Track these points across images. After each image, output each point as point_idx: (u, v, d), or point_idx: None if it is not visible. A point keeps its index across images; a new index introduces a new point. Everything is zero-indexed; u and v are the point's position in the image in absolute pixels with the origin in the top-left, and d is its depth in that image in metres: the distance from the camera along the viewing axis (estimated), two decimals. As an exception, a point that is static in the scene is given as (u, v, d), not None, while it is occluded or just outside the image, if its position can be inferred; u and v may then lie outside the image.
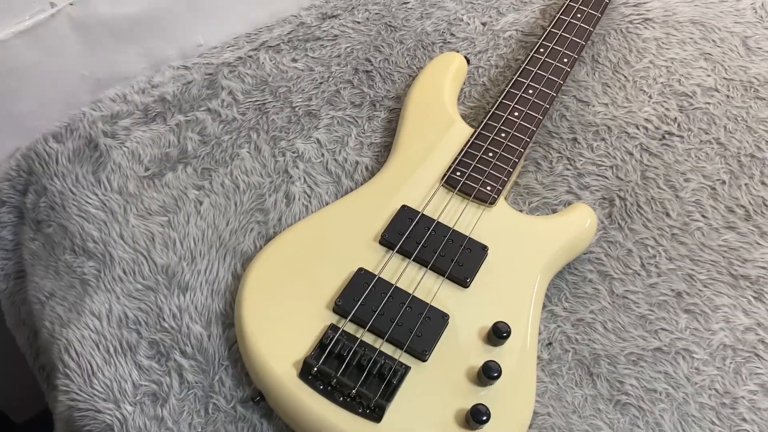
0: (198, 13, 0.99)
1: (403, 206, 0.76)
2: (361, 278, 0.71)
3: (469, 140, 0.82)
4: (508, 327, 0.67)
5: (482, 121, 0.83)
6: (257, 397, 0.67)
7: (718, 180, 0.87)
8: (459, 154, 0.80)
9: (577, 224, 0.78)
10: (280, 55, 0.97)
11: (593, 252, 0.81)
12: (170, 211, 0.81)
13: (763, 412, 0.71)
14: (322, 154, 0.87)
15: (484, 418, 0.63)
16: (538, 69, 0.88)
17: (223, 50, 0.98)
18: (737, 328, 0.76)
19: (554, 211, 0.83)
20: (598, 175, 0.87)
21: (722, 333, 0.75)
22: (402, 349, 0.67)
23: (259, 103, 0.91)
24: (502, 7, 1.04)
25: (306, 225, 0.76)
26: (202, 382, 0.70)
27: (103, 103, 0.91)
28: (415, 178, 0.79)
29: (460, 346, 0.68)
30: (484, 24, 1.02)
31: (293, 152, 0.87)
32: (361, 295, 0.69)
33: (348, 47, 0.98)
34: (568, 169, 0.87)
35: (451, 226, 0.75)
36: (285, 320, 0.69)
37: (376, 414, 0.63)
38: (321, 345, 0.66)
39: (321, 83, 0.94)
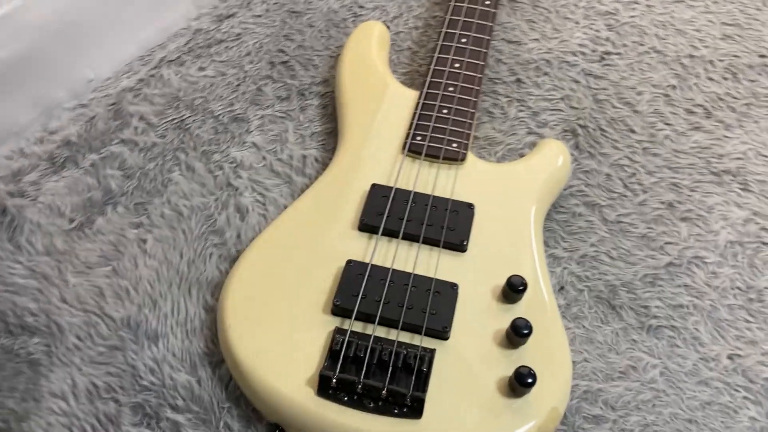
0: (80, 46, 0.88)
1: (374, 185, 0.69)
2: (353, 270, 0.63)
3: (418, 103, 0.76)
4: (523, 278, 0.62)
5: (425, 81, 0.77)
6: (274, 431, 0.58)
7: (668, 86, 0.85)
8: (413, 119, 0.74)
9: (551, 158, 0.73)
10: (184, 67, 0.87)
11: (573, 185, 0.76)
12: (112, 258, 0.70)
13: (790, 296, 0.68)
14: (263, 157, 0.79)
15: (530, 380, 0.56)
16: (464, 17, 0.83)
17: (118, 78, 0.88)
18: (737, 222, 0.73)
19: (522, 155, 0.78)
20: (553, 110, 0.83)
21: (725, 231, 0.73)
22: (420, 333, 0.60)
23: (176, 121, 0.82)
24: (402, -31, 0.98)
25: (273, 232, 0.68)
26: (206, 434, 0.60)
27: (-2, 164, 0.79)
28: (375, 154, 0.73)
29: (478, 314, 0.62)
30: (389, -11, 0.96)
31: (231, 162, 0.78)
32: (359, 289, 0.62)
33: (256, 43, 0.90)
34: (521, 111, 0.83)
35: (430, 193, 0.68)
36: (281, 339, 0.60)
37: (415, 409, 0.56)
38: (332, 353, 0.58)
39: (238, 85, 0.86)
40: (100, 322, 0.66)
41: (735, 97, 0.84)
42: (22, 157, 0.79)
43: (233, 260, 0.70)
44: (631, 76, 0.86)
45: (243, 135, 0.81)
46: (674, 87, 0.85)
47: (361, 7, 0.94)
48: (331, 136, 0.80)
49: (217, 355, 0.64)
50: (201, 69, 0.87)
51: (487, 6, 0.84)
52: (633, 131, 0.81)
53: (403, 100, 0.78)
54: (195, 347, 0.65)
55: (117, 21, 0.91)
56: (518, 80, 0.85)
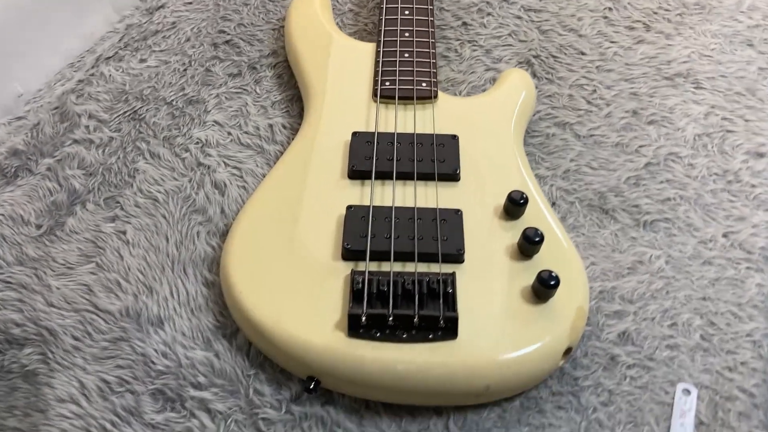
0: (4, 63, 0.83)
1: (354, 133, 0.68)
2: (356, 214, 0.62)
3: (378, 51, 0.75)
4: (522, 192, 0.62)
5: (380, 30, 0.77)
6: (310, 384, 0.56)
7: (604, 9, 0.88)
8: (378, 67, 0.74)
9: (518, 84, 0.75)
10: (124, 62, 0.84)
11: (540, 110, 0.78)
12: (93, 255, 0.66)
13: (763, 172, 0.72)
14: (228, 133, 0.76)
15: (553, 282, 0.57)
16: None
17: (51, 87, 0.83)
18: (699, 117, 0.77)
19: (486, 90, 0.79)
20: (504, 45, 0.84)
21: (690, 127, 0.76)
22: (437, 260, 0.59)
23: (128, 113, 0.78)
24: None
25: (262, 195, 0.65)
26: (237, 404, 0.57)
27: (-59, 186, 0.73)
28: (346, 108, 0.72)
29: (486, 234, 0.62)
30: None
31: (196, 143, 0.75)
32: (366, 230, 0.61)
33: (193, 28, 0.88)
34: (475, 51, 0.84)
35: (412, 131, 0.68)
36: (296, 293, 0.58)
37: (449, 329, 0.55)
38: (355, 293, 0.57)
39: (185, 70, 0.83)
40: (96, 317, 0.62)
41: (667, 10, 0.88)
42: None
43: (223, 234, 0.68)
44: (568, 5, 0.89)
45: (202, 115, 0.78)
46: (610, 9, 0.88)
47: (292, -20, 0.93)
48: (292, 103, 0.79)
49: (229, 327, 0.61)
50: (142, 61, 0.84)
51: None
52: (583, 53, 0.83)
53: (360, 53, 0.77)
54: (204, 323, 0.62)
55: (39, 33, 0.86)
56: (464, 23, 0.87)
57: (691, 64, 0.82)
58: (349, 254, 0.60)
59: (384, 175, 0.65)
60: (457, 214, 0.62)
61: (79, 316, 0.62)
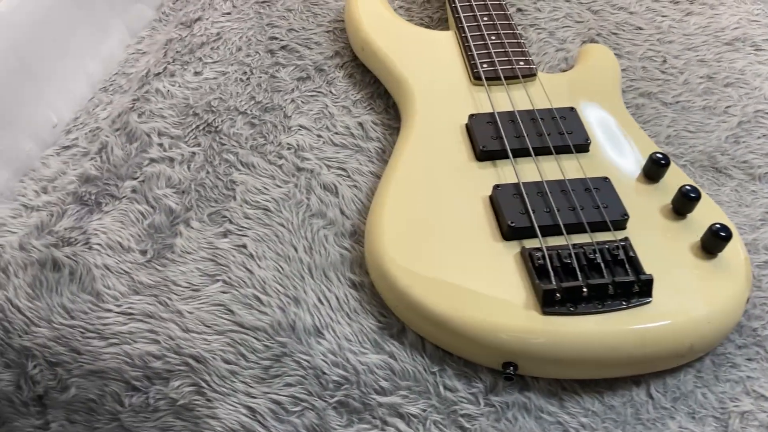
0: (34, 91, 0.76)
1: (472, 116, 0.66)
2: (506, 192, 0.59)
3: (464, 36, 0.74)
4: (662, 153, 0.62)
5: (458, 18, 0.76)
6: (507, 369, 0.53)
7: (645, -14, 0.90)
8: (470, 52, 0.72)
9: (606, 56, 0.76)
10: (177, 77, 0.78)
11: (623, 84, 0.78)
12: (217, 273, 0.60)
13: None
14: (319, 135, 0.72)
15: (725, 233, 0.56)
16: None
17: (92, 113, 0.77)
18: (770, 75, 0.79)
19: (563, 70, 0.79)
20: (564, 27, 0.85)
21: (765, 84, 0.78)
22: (607, 228, 0.58)
23: (202, 126, 0.73)
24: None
25: (394, 191, 0.61)
26: (430, 404, 0.53)
27: (7, 225, 0.65)
28: (448, 95, 0.69)
29: (636, 197, 0.61)
30: (348, -37, 0.94)
31: (288, 149, 0.71)
32: (525, 206, 0.58)
33: (241, 37, 0.83)
34: (539, 33, 0.84)
35: (533, 107, 0.67)
36: (468, 280, 0.55)
37: (644, 292, 0.54)
38: (539, 269, 0.54)
39: (249, 78, 0.78)
40: (247, 337, 0.56)
41: (703, -18, 0.91)
42: (33, 210, 0.66)
43: (351, 235, 0.63)
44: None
45: (284, 121, 0.74)
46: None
47: (328, -19, 0.90)
48: (374, 99, 0.76)
49: (394, 326, 0.57)
50: (197, 74, 0.79)
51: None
52: (641, 28, 0.85)
53: (441, 40, 0.76)
54: (366, 326, 0.57)
55: (62, 60, 0.80)
56: (519, 10, 0.87)
57: (743, 29, 0.85)
58: (514, 233, 0.57)
59: (519, 152, 0.63)
60: (606, 181, 0.61)
61: (225, 338, 0.56)
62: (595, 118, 0.67)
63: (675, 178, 0.62)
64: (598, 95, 0.70)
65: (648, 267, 0.55)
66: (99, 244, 0.62)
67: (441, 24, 0.85)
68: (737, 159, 0.71)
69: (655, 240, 0.58)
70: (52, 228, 0.64)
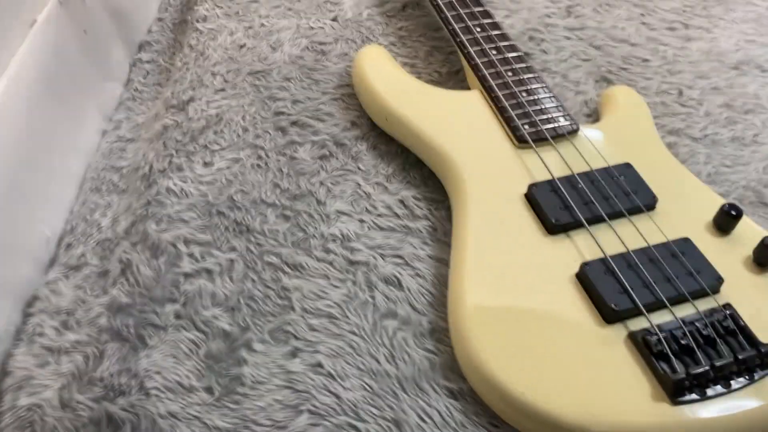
0: (26, 205, 0.67)
1: (532, 185, 0.63)
2: (596, 271, 0.56)
3: (493, 96, 0.70)
4: (732, 204, 0.61)
5: (481, 75, 0.72)
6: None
7: (639, 15, 0.90)
8: (505, 113, 0.69)
9: (634, 100, 0.75)
10: (186, 170, 0.71)
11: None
12: (299, 402, 0.54)
13: None
14: (362, 220, 0.67)
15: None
16: (460, 10, 0.79)
17: (89, 221, 0.69)
18: None
19: (587, 114, 0.77)
20: (573, 67, 0.83)
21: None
22: (706, 294, 0.56)
23: (231, 226, 0.66)
24: (331, -3, 0.91)
25: (468, 279, 0.57)
26: None
27: (35, 377, 0.57)
28: (495, 163, 0.66)
29: (718, 255, 0.59)
30: (334, 19, 0.88)
31: (333, 241, 0.65)
32: (622, 284, 0.55)
33: (243, 116, 0.77)
34: (553, 78, 0.82)
35: (591, 168, 0.64)
36: (579, 375, 0.52)
37: (766, 364, 0.52)
38: (658, 356, 0.51)
39: (266, 163, 0.72)
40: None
41: (691, 6, 0.92)
42: (61, 354, 0.58)
43: (431, 333, 0.59)
44: (603, 18, 0.89)
45: (319, 208, 0.68)
46: (643, 14, 0.90)
47: (321, 43, 0.85)
48: (408, 171, 0.71)
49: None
50: (207, 165, 0.72)
51: (468, -7, 0.81)
52: (647, 60, 0.84)
53: (467, 101, 0.72)
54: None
55: (49, 160, 0.72)
56: (526, 54, 0.84)
57: (743, 51, 0.85)
58: (616, 316, 0.54)
59: (593, 220, 0.60)
60: (688, 242, 0.59)
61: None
62: (650, 171, 0.65)
63: (744, 227, 0.61)
64: (643, 144, 0.69)
65: (759, 333, 0.53)
66: (156, 388, 0.55)
67: (451, 78, 0.81)
68: (773, 185, 0.71)
69: (752, 300, 0.56)
70: (93, 375, 0.56)
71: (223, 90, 0.79)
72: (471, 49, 0.74)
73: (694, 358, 0.51)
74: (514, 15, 0.88)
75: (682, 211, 0.62)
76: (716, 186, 0.71)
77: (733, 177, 0.72)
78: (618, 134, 0.69)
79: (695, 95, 0.80)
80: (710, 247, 0.60)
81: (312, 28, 0.87)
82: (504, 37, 0.76)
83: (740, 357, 0.51)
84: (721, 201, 0.63)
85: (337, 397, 0.55)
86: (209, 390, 0.55)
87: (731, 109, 0.79)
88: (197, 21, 0.88)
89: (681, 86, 0.81)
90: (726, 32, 0.88)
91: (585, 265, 0.57)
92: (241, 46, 0.84)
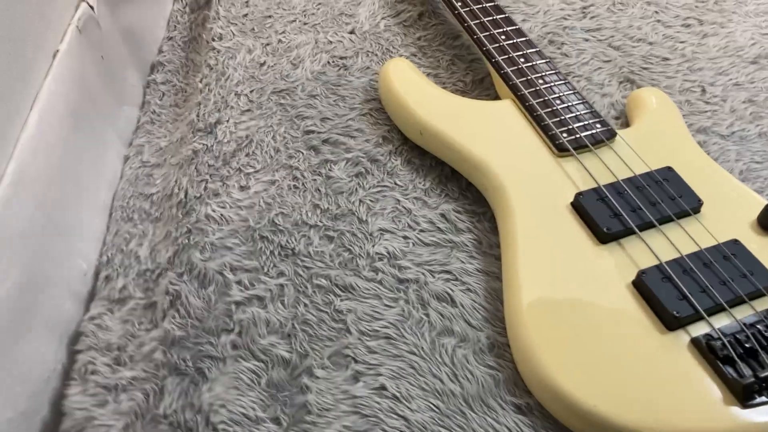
0: (64, 238, 0.66)
1: (579, 194, 0.63)
2: (653, 278, 0.57)
3: (527, 104, 0.70)
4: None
5: (512, 84, 0.72)
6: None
7: (652, 13, 0.90)
8: (542, 121, 0.69)
9: (663, 100, 0.75)
10: (223, 195, 0.70)
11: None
12: (368, 428, 0.54)
13: None
14: (406, 237, 0.67)
15: None
16: (482, 18, 0.79)
17: (128, 252, 0.69)
18: None
19: (615, 117, 0.78)
20: (596, 69, 0.83)
21: None
22: (765, 294, 0.56)
23: (275, 252, 0.66)
24: (347, 9, 0.91)
25: (524, 296, 0.57)
26: None
27: (97, 417, 0.56)
28: (537, 172, 0.66)
29: (765, 253, 0.60)
30: (352, 32, 0.88)
31: (380, 260, 0.65)
32: (681, 290, 0.56)
33: (273, 136, 0.76)
34: (579, 81, 0.82)
35: (634, 174, 0.64)
36: (652, 384, 0.52)
37: (831, 360, 0.53)
38: (725, 360, 0.52)
39: (303, 183, 0.72)
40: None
41: (703, 1, 0.92)
42: (119, 392, 0.57)
43: (490, 349, 0.59)
44: (619, 18, 0.90)
45: (362, 227, 0.68)
46: (657, 12, 0.90)
47: (341, 57, 0.85)
48: (445, 184, 0.71)
49: (582, 446, 0.53)
50: (244, 188, 0.71)
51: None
52: (666, 58, 0.85)
53: (503, 111, 0.72)
54: (554, 454, 0.53)
55: (79, 193, 0.71)
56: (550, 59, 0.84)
57: (759, 44, 0.86)
58: (682, 320, 0.55)
59: (643, 226, 0.61)
60: (738, 244, 0.60)
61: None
62: (690, 173, 0.66)
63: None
64: (679, 146, 0.69)
65: (818, 331, 0.54)
66: (223, 422, 0.54)
67: (476, 87, 0.81)
68: (806, 183, 0.72)
69: (806, 297, 0.57)
70: (156, 412, 0.56)
71: (249, 110, 0.79)
72: (499, 58, 0.74)
73: (758, 360, 0.52)
74: (531, 19, 0.89)
75: (726, 212, 0.63)
76: (749, 183, 0.72)
77: (765, 173, 0.73)
78: (653, 137, 0.70)
79: (718, 92, 0.81)
80: (759, 247, 0.60)
81: (330, 42, 0.86)
82: (529, 43, 0.76)
83: (807, 356, 0.52)
84: (760, 199, 0.64)
85: (406, 420, 0.55)
86: (276, 421, 0.55)
87: (755, 104, 0.80)
88: (213, 40, 0.87)
89: (703, 83, 0.82)
90: (740, 26, 0.89)
91: (642, 273, 0.57)
92: (262, 64, 0.84)
